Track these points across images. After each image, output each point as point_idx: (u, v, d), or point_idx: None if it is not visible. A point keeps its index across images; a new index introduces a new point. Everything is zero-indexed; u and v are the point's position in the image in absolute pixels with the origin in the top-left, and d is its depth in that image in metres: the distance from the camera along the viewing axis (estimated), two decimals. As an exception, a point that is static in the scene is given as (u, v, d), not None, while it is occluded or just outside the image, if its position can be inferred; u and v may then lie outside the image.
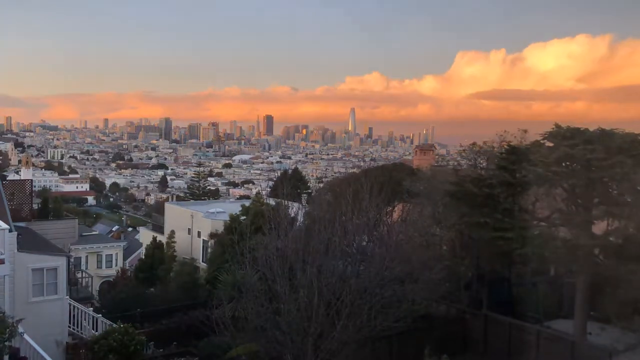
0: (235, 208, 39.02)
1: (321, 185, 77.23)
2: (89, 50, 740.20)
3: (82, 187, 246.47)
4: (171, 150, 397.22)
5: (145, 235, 63.02)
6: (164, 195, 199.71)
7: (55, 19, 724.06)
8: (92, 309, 28.35)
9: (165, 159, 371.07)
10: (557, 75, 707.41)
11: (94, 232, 60.31)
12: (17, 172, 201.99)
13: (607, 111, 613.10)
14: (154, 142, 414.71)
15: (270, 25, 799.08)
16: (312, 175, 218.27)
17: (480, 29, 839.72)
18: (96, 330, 26.00)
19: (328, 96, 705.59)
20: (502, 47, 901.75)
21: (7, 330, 18.63)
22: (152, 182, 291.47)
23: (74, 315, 26.40)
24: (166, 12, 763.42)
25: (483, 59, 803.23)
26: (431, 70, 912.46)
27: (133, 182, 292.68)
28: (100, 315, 27.06)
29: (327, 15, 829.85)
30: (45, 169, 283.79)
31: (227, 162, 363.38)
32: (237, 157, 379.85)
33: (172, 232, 50.27)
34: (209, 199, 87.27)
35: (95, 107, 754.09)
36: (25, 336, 20.71)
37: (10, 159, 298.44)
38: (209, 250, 41.79)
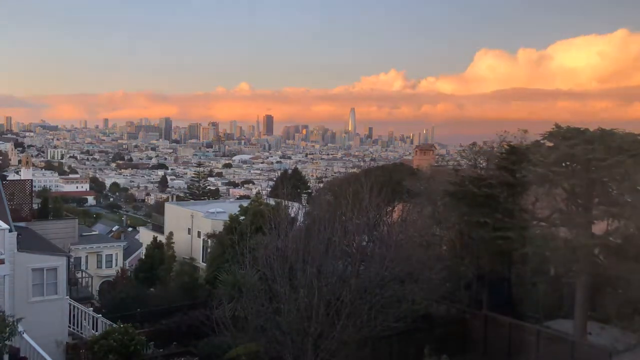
0: (235, 208, 39.03)
1: (321, 185, 77.22)
2: (92, 50, 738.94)
3: (82, 187, 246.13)
4: (171, 150, 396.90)
5: (145, 235, 63.12)
6: (164, 195, 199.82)
7: (56, 18, 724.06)
8: (92, 309, 28.35)
9: (165, 159, 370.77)
10: (584, 73, 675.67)
11: (94, 232, 60.32)
12: (17, 172, 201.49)
13: (637, 110, 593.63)
14: (154, 142, 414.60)
15: (280, 26, 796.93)
16: (312, 175, 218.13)
17: (506, 26, 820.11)
18: (96, 330, 26.00)
19: (345, 96, 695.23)
20: (524, 44, 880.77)
21: (7, 329, 18.65)
22: (152, 182, 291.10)
23: (74, 315, 26.40)
24: (172, 13, 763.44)
25: (506, 57, 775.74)
26: (450, 69, 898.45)
27: (133, 182, 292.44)
28: (100, 315, 27.06)
29: (335, 15, 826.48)
30: (45, 169, 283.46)
31: (227, 162, 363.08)
32: (237, 157, 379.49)
33: (171, 233, 50.43)
34: (209, 199, 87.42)
35: (98, 107, 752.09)
36: (25, 336, 20.71)
37: (10, 159, 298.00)
38: (209, 250, 41.82)
